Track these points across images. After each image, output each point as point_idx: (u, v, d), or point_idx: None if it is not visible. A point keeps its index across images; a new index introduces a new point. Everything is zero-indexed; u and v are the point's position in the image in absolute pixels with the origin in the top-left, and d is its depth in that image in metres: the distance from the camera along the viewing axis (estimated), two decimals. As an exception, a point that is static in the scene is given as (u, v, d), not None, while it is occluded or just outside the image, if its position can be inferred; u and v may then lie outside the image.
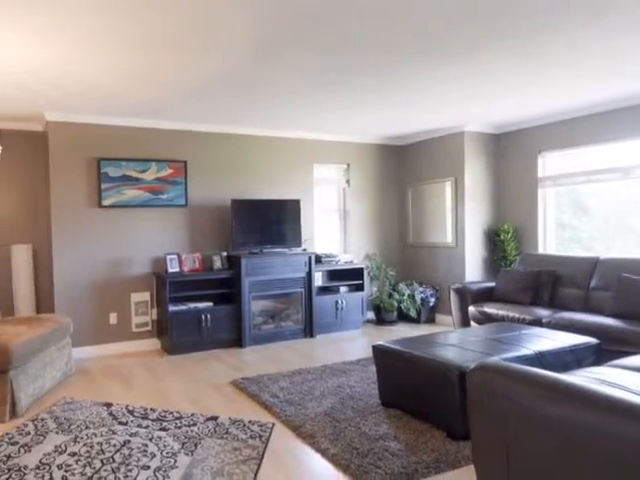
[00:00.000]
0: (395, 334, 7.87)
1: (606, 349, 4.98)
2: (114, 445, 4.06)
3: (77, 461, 3.80)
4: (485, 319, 6.65)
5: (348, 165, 8.91)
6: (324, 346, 7.33)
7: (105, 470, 3.65)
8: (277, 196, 8.13)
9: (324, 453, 3.86)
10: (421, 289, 8.56)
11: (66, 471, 3.64)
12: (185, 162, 7.45)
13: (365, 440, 4.04)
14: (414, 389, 4.43)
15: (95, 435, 4.25)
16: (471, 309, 6.99)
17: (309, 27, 4.08)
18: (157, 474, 3.58)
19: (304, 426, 4.36)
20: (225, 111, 6.82)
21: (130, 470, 3.65)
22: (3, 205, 6.85)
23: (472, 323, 6.95)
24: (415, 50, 4.64)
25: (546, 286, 6.73)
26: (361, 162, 9.02)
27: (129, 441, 4.13)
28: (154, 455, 3.87)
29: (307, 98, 6.23)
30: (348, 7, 3.71)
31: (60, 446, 4.05)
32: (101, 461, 3.79)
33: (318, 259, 8.07)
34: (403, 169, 9.44)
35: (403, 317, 8.69)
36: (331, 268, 8.25)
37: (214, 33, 4.18)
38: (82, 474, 3.60)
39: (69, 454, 3.91)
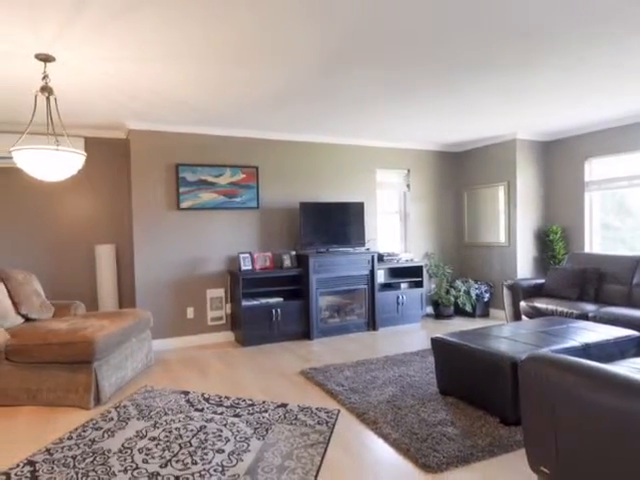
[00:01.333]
0: (452, 327, 7.90)
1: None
2: (191, 430, 4.08)
3: (157, 445, 3.83)
4: (535, 313, 6.76)
5: (408, 170, 8.94)
6: (386, 338, 7.33)
7: (182, 454, 3.67)
8: (342, 199, 8.21)
9: (386, 438, 3.90)
10: (476, 285, 8.63)
11: (146, 454, 3.67)
12: (257, 168, 7.51)
13: (424, 426, 4.07)
14: (470, 378, 4.47)
15: (173, 421, 4.29)
16: (522, 304, 7.08)
17: (373, 44, 4.16)
18: (231, 457, 3.59)
19: (367, 413, 4.38)
20: (294, 120, 6.86)
21: (206, 454, 3.66)
22: (88, 207, 6.99)
23: (523, 317, 7.05)
24: (471, 65, 4.75)
25: (592, 283, 6.80)
26: (420, 167, 9.06)
27: (205, 426, 4.15)
28: (228, 440, 3.88)
29: (371, 108, 6.26)
30: (411, 25, 3.77)
31: (141, 431, 4.10)
32: (179, 445, 3.81)
33: (380, 258, 8.18)
34: (459, 174, 9.48)
35: (459, 312, 8.78)
36: (392, 266, 8.27)
37: (285, 49, 4.23)
38: (161, 457, 3.62)
39: (149, 439, 3.95)
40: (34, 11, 3.45)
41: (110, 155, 7.10)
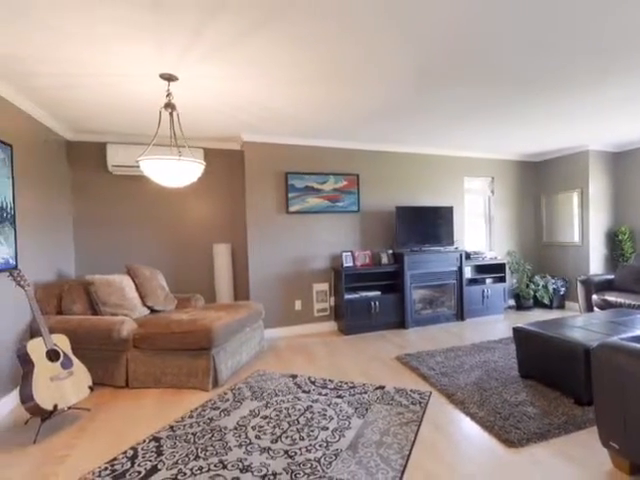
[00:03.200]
0: (531, 318, 7.98)
1: None
2: (299, 410, 4.20)
3: (268, 423, 3.97)
4: (606, 305, 6.93)
5: (492, 178, 9.08)
6: (472, 328, 7.38)
7: (291, 430, 3.79)
8: (434, 203, 8.36)
9: (473, 416, 4.03)
10: (553, 280, 8.78)
11: (259, 431, 3.82)
12: (357, 175, 7.64)
13: (506, 406, 4.20)
14: (547, 363, 4.58)
15: (283, 401, 4.42)
16: (594, 297, 7.22)
17: (463, 65, 4.29)
18: (334, 434, 3.69)
19: (456, 394, 4.50)
20: (390, 132, 6.97)
21: (312, 431, 3.77)
22: (207, 210, 7.25)
23: (595, 309, 7.19)
24: (548, 84, 4.86)
25: (656, 279, 6.95)
26: (503, 175, 9.21)
27: (311, 406, 4.26)
28: (332, 418, 3.98)
29: (460, 122, 6.36)
30: (496, 47, 3.82)
31: (254, 410, 4.25)
32: (288, 423, 3.94)
33: (467, 256, 8.33)
34: (538, 181, 9.60)
35: (538, 304, 8.96)
36: (478, 263, 8.36)
37: (383, 69, 4.37)
38: (272, 434, 3.76)
39: (261, 417, 4.09)
40: (160, 36, 3.68)
41: (226, 164, 7.32)
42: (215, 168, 7.23)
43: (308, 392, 4.63)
